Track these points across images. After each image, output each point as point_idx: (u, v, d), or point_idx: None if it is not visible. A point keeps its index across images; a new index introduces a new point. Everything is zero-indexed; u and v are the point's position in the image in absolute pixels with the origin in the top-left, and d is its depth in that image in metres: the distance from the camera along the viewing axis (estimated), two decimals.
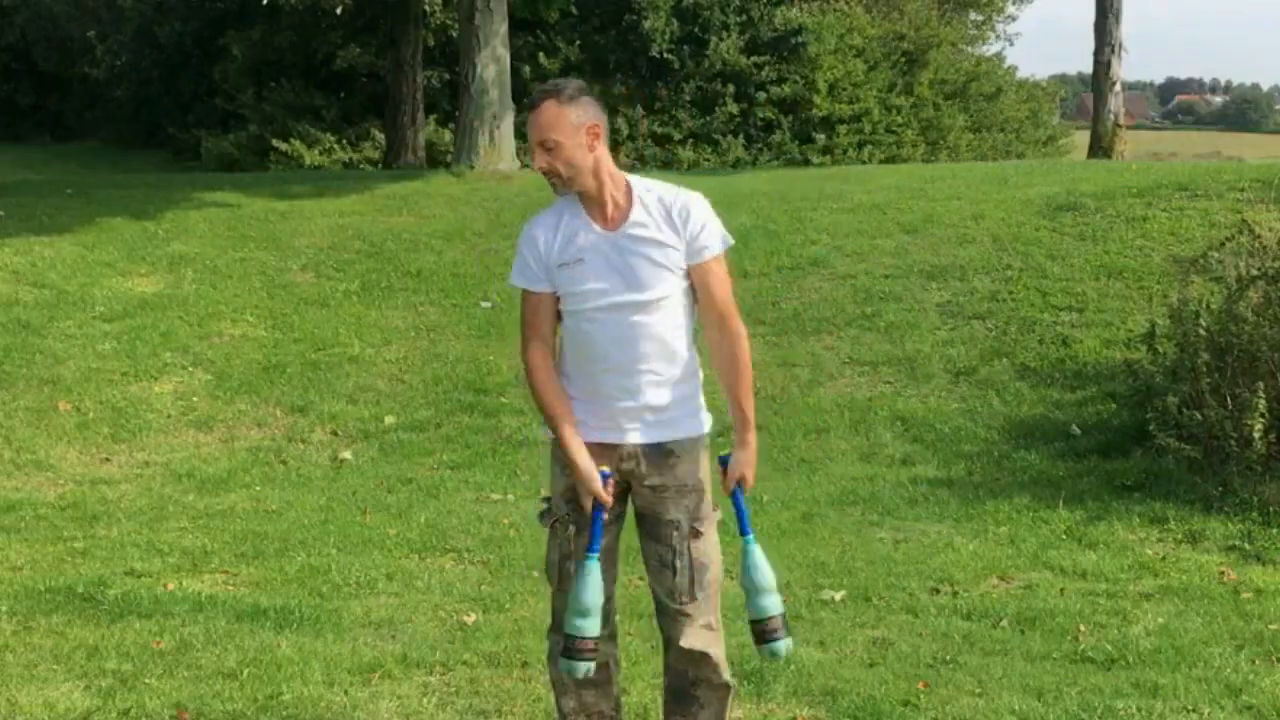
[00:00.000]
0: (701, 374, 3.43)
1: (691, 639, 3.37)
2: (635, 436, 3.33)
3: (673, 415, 3.35)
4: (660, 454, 3.34)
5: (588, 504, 3.31)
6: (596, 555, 3.30)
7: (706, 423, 3.43)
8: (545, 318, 3.35)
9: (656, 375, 3.31)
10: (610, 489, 3.30)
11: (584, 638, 3.27)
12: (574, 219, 3.32)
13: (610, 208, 3.30)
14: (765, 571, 3.37)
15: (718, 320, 3.34)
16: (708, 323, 3.36)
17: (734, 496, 3.39)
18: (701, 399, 3.43)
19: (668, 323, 3.31)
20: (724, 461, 3.40)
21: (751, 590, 3.37)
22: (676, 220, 3.29)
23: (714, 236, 3.32)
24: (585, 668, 3.29)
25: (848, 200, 12.04)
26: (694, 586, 3.36)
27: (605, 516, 3.32)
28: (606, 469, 3.31)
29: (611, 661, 3.46)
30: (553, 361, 3.37)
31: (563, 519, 3.39)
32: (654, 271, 3.28)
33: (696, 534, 3.37)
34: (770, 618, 3.35)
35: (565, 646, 3.30)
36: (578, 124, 3.23)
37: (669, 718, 3.51)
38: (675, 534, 3.35)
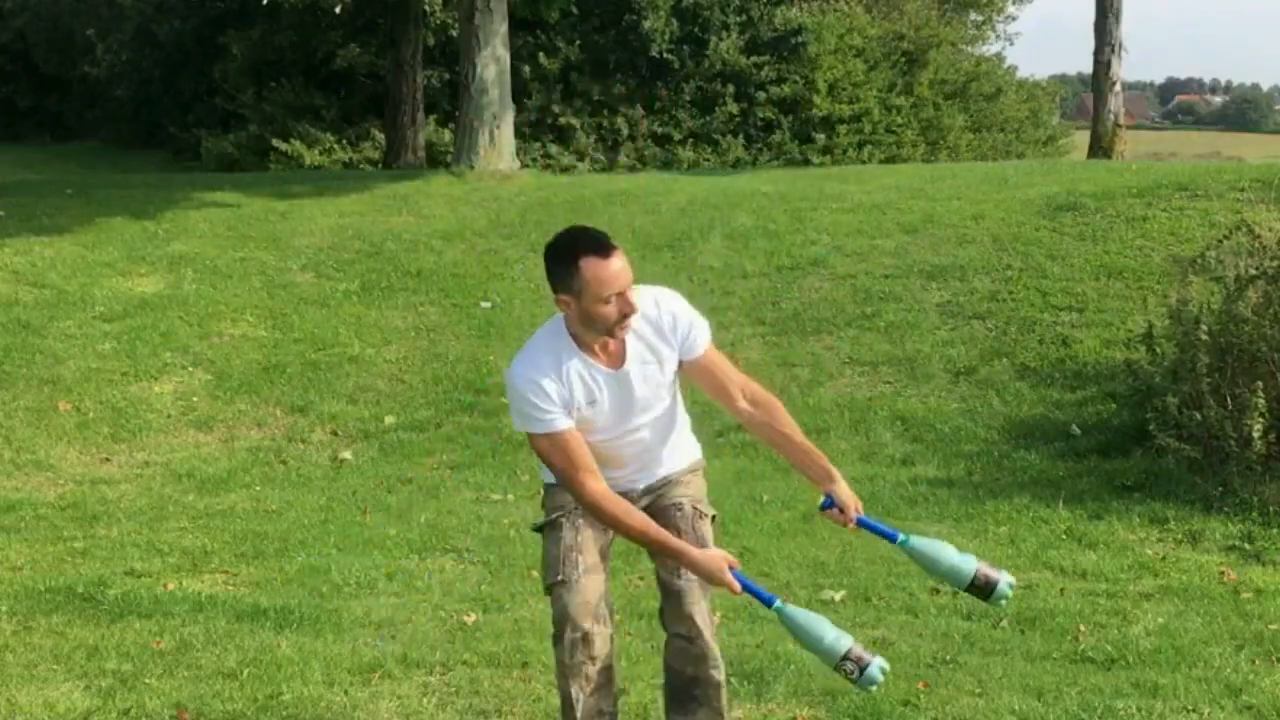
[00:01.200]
0: (686, 417, 3.58)
1: (692, 606, 3.38)
2: (644, 482, 3.50)
3: (675, 461, 3.53)
4: (667, 480, 3.53)
5: (590, 554, 3.37)
6: (778, 601, 3.30)
7: (697, 450, 3.63)
8: (580, 448, 3.29)
9: (660, 450, 3.49)
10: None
11: (851, 647, 3.24)
12: (570, 360, 3.28)
13: (611, 343, 3.31)
14: (945, 552, 3.42)
15: (743, 394, 3.42)
16: (730, 400, 3.42)
17: (863, 524, 3.47)
18: (692, 436, 3.62)
19: (671, 409, 3.47)
20: (828, 506, 3.45)
21: (950, 572, 3.39)
22: (667, 333, 3.35)
23: (702, 329, 3.40)
24: (875, 668, 3.23)
25: (848, 200, 12.04)
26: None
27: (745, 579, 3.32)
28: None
29: (612, 662, 3.47)
30: (605, 485, 3.32)
31: (566, 512, 3.41)
32: (661, 388, 3.39)
33: (700, 515, 3.46)
34: (977, 572, 3.35)
35: (848, 667, 3.23)
36: None
37: (669, 715, 3.53)
38: (680, 514, 3.43)
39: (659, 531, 3.28)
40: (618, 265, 3.17)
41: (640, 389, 3.34)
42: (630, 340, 3.30)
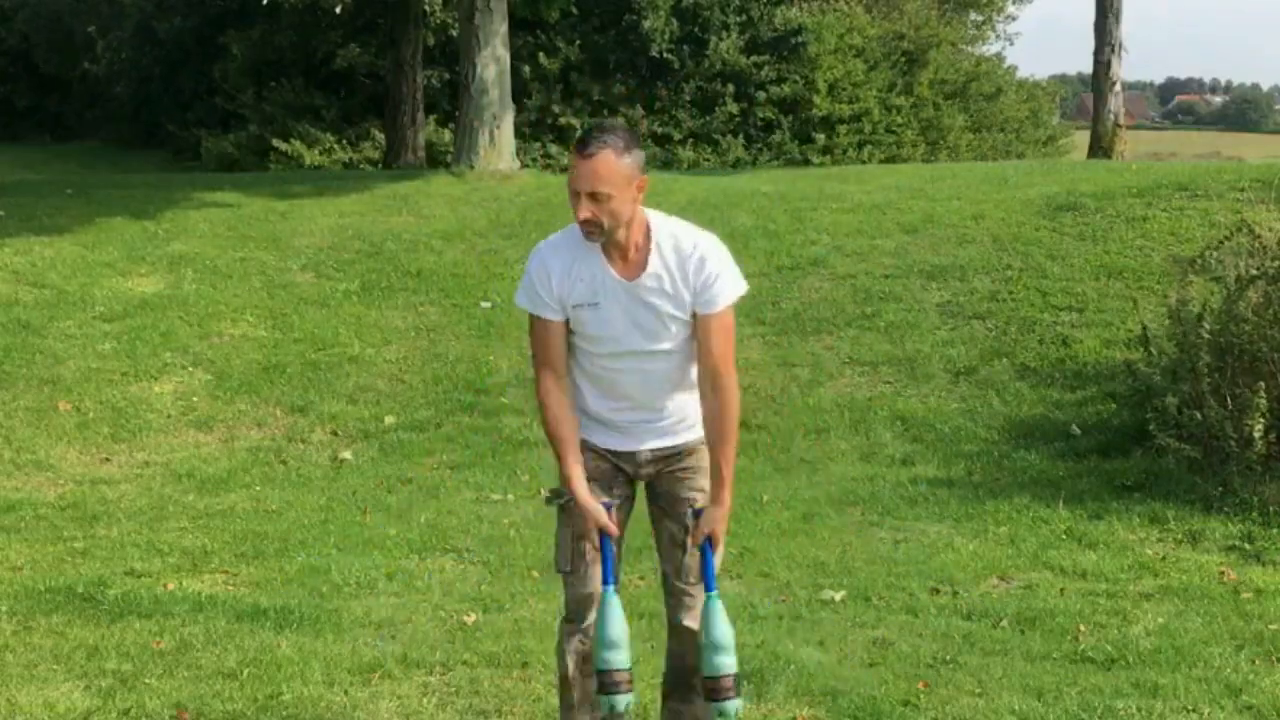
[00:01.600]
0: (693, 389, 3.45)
1: (692, 620, 3.40)
2: (652, 443, 3.42)
3: (689, 424, 3.42)
4: (678, 454, 3.45)
5: (594, 538, 3.33)
6: (614, 587, 3.31)
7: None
8: (557, 345, 3.35)
9: (672, 402, 3.40)
10: (614, 518, 3.33)
11: (617, 670, 3.24)
12: (590, 256, 3.29)
13: (631, 252, 3.29)
14: (725, 629, 3.30)
15: (710, 374, 3.32)
16: (701, 374, 3.35)
17: (703, 551, 3.36)
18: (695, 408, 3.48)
19: (682, 362, 3.38)
20: (697, 515, 3.38)
21: (709, 647, 3.29)
22: (690, 270, 3.29)
23: (724, 288, 3.31)
24: (625, 701, 3.26)
25: (848, 200, 12.04)
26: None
27: (615, 549, 3.33)
28: (607, 499, 3.34)
29: None
30: (565, 390, 3.37)
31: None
32: (667, 323, 3.32)
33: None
34: (723, 676, 3.27)
35: (600, 683, 3.27)
36: (630, 177, 3.21)
37: (667, 700, 3.55)
38: (690, 511, 3.41)
39: (566, 452, 3.30)
40: (582, 166, 3.17)
41: (647, 309, 3.29)
42: (654, 260, 3.28)
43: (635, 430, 3.41)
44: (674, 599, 3.46)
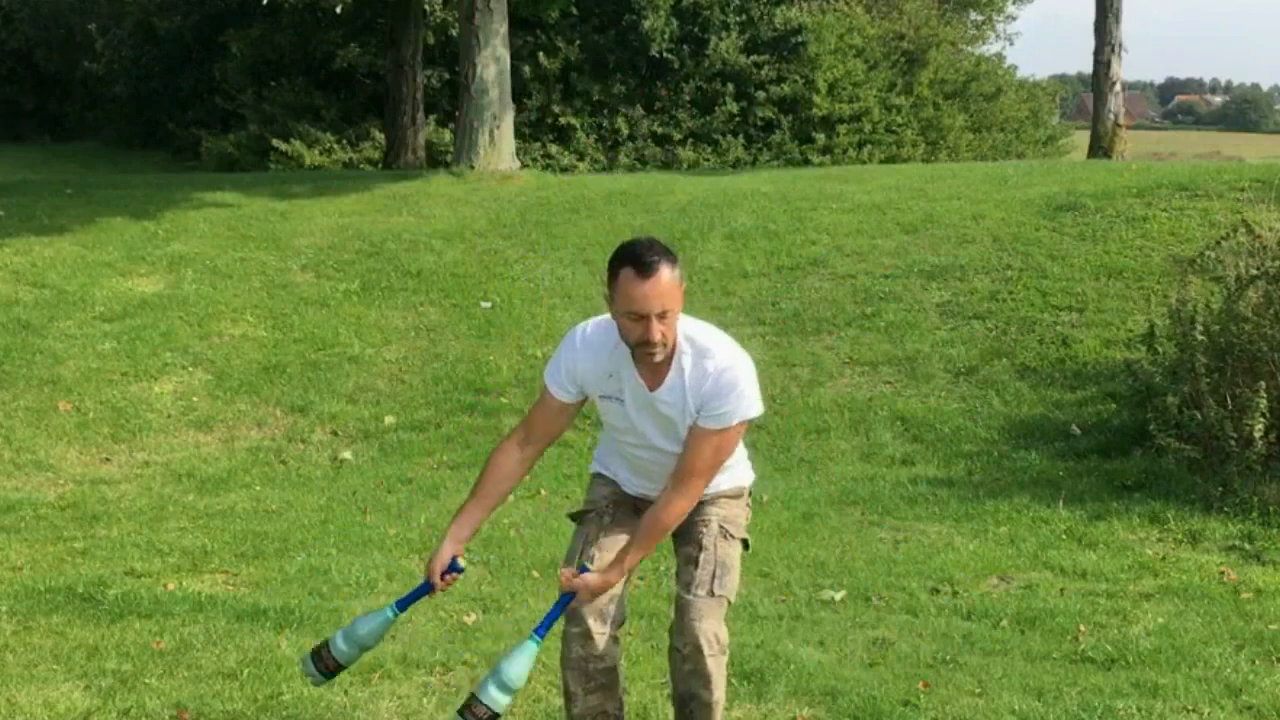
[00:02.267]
0: (741, 449, 3.51)
1: (694, 627, 3.32)
2: None
3: (715, 483, 3.45)
4: (705, 501, 3.48)
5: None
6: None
7: (745, 477, 3.56)
8: (547, 420, 3.43)
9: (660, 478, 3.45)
10: (448, 580, 3.39)
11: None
12: (620, 355, 3.32)
13: (660, 365, 3.30)
14: (520, 674, 3.31)
15: (683, 474, 3.30)
16: (675, 469, 3.33)
17: (561, 597, 3.35)
18: (744, 462, 3.57)
19: None
20: (584, 569, 3.36)
21: (496, 676, 3.29)
22: (707, 387, 3.26)
23: (734, 413, 3.28)
24: None
25: (848, 200, 12.04)
26: (714, 581, 3.36)
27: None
28: (460, 561, 3.38)
29: (617, 664, 3.45)
30: (521, 459, 3.42)
31: (597, 509, 3.47)
32: (680, 430, 3.34)
33: (726, 535, 3.43)
34: (485, 709, 3.27)
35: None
36: (682, 291, 3.23)
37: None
38: (705, 531, 3.40)
39: (472, 505, 3.39)
40: (648, 288, 3.13)
41: (664, 420, 3.34)
42: (673, 374, 3.28)
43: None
44: (678, 615, 3.40)
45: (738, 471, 3.54)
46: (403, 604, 3.48)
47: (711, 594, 3.35)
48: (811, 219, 11.53)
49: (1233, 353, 6.82)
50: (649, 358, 3.23)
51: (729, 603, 3.40)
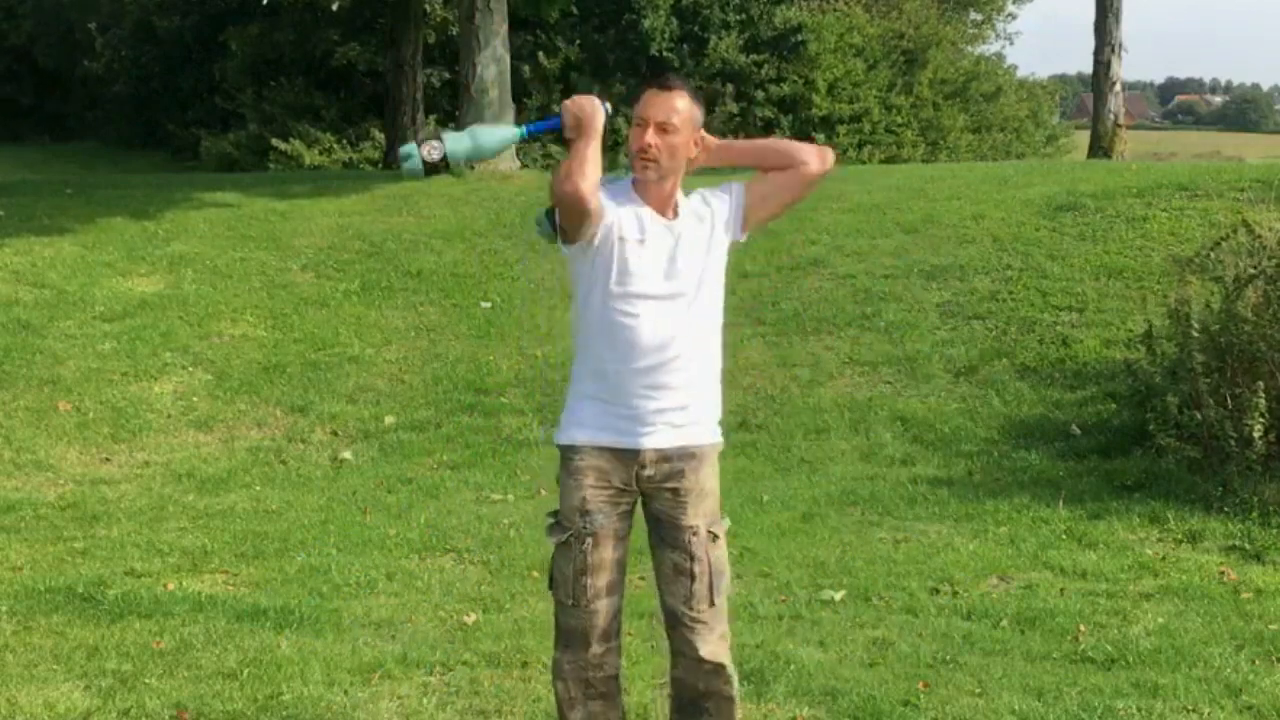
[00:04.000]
0: (719, 365, 3.35)
1: (710, 650, 3.26)
2: (657, 440, 3.22)
3: (695, 417, 3.26)
4: (682, 457, 3.24)
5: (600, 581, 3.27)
6: (524, 133, 3.40)
7: (720, 434, 3.35)
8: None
9: (686, 373, 3.22)
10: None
11: (444, 151, 3.23)
12: (635, 201, 3.28)
13: (673, 201, 3.30)
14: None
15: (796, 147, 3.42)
16: (783, 175, 3.39)
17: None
18: (719, 408, 3.34)
19: (705, 318, 3.28)
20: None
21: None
22: (718, 194, 3.35)
23: (737, 185, 3.38)
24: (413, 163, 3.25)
25: (848, 200, 12.04)
26: (713, 593, 3.26)
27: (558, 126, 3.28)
28: (609, 106, 3.32)
29: (618, 672, 3.38)
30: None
31: (578, 533, 3.25)
32: (702, 261, 3.26)
33: (714, 538, 3.28)
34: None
35: (426, 138, 3.25)
36: (696, 123, 3.28)
37: None
38: (695, 540, 3.24)
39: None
40: (658, 98, 3.23)
41: (686, 246, 3.25)
42: (683, 200, 3.31)
43: (640, 416, 3.20)
44: (684, 630, 3.27)
45: (714, 413, 3.33)
46: (532, 129, 3.36)
47: (712, 604, 3.27)
48: (811, 219, 11.52)
49: (1232, 353, 6.81)
50: (643, 170, 3.24)
51: (729, 593, 3.35)
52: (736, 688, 3.35)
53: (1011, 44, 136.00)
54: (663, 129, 3.21)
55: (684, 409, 3.24)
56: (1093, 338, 8.73)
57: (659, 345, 3.19)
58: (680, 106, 3.22)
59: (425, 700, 4.23)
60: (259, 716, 4.11)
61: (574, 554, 3.26)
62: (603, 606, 3.25)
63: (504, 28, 14.62)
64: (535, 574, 5.66)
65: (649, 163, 3.22)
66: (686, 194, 3.35)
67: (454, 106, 17.47)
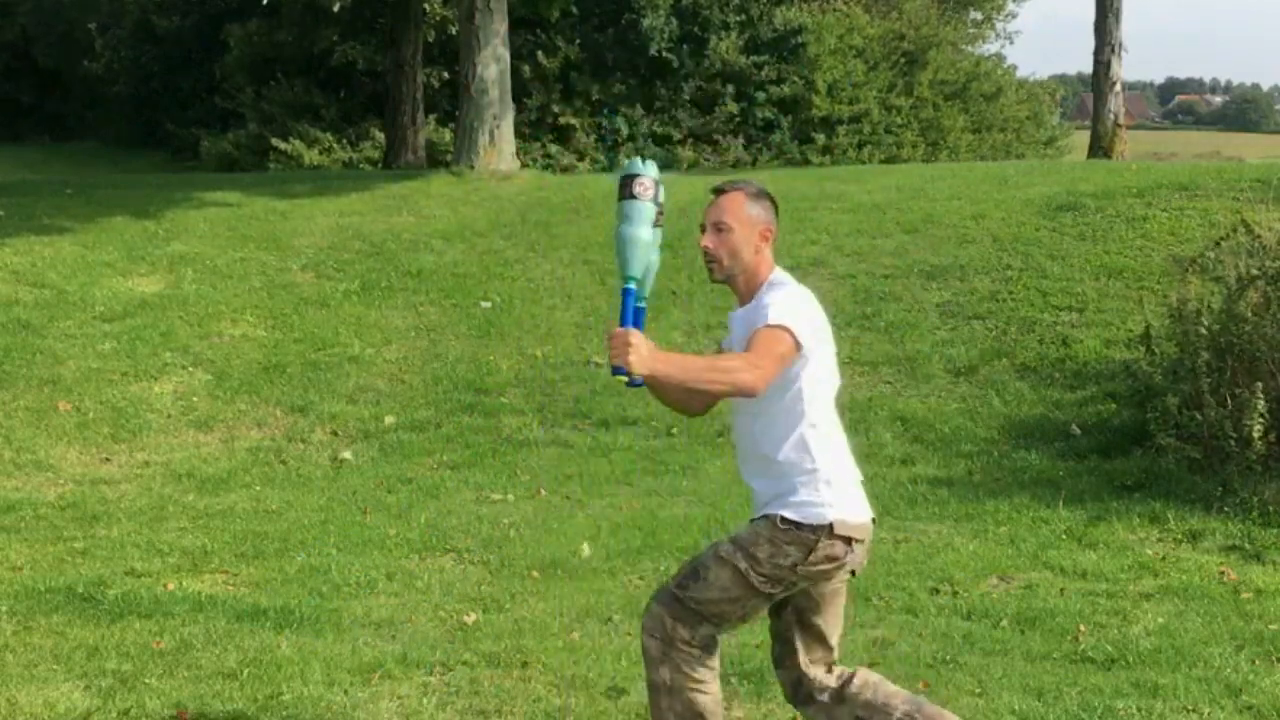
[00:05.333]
0: (812, 472, 3.35)
1: (648, 614, 3.34)
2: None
3: (764, 501, 3.40)
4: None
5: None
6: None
7: (794, 510, 3.33)
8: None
9: (749, 469, 3.45)
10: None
11: (652, 179, 3.34)
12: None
13: (753, 295, 3.37)
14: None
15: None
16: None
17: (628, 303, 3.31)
18: (802, 494, 3.35)
19: (766, 429, 3.33)
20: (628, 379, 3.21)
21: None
22: (751, 307, 3.36)
23: (771, 311, 3.23)
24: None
25: (848, 200, 12.04)
26: (681, 577, 3.32)
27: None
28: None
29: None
30: None
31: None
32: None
33: (718, 555, 3.30)
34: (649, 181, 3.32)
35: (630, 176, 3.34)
36: (755, 221, 3.35)
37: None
38: (712, 544, 3.41)
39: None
40: (717, 203, 3.37)
41: (736, 342, 3.37)
42: (752, 303, 3.36)
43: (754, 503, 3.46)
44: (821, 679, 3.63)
45: (788, 499, 3.34)
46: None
47: (678, 585, 3.31)
48: (811, 219, 11.52)
49: (1232, 353, 6.82)
50: (709, 270, 3.38)
51: (694, 613, 3.28)
52: (653, 680, 3.32)
53: (1011, 44, 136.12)
54: (716, 228, 3.34)
55: (757, 494, 3.49)
56: (1093, 338, 8.73)
57: (740, 453, 3.54)
58: (731, 205, 3.36)
59: (425, 700, 4.23)
60: (259, 716, 4.11)
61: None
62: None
63: (504, 27, 14.62)
64: (535, 574, 5.66)
65: (711, 263, 3.36)
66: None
67: (454, 106, 17.47)
